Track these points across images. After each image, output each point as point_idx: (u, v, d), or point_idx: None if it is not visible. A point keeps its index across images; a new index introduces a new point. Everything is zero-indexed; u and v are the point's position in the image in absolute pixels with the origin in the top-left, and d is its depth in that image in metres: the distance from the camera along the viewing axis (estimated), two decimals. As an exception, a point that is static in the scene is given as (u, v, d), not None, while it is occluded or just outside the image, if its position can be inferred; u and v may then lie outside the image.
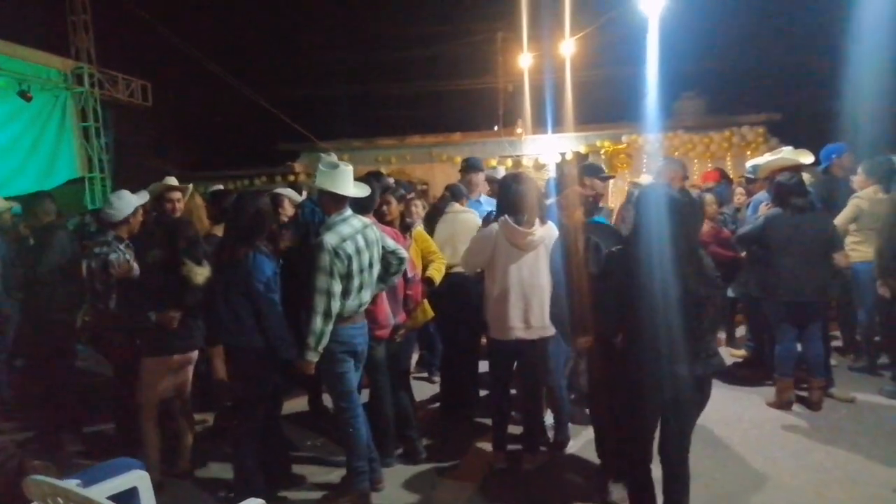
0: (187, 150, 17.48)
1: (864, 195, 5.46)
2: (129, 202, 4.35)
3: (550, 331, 3.83)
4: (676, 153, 13.42)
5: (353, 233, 3.51)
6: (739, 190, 6.99)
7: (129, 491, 2.61)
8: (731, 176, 8.93)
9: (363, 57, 19.05)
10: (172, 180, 4.93)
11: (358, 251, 3.51)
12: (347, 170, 3.59)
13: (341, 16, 18.72)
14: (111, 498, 2.27)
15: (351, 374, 3.63)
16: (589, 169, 4.35)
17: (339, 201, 3.58)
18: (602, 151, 14.16)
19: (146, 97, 13.20)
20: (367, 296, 3.63)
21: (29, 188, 9.80)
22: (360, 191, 3.71)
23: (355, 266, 3.48)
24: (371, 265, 3.62)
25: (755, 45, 15.58)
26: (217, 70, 13.08)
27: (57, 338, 4.61)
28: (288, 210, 5.10)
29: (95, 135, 11.82)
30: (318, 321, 3.38)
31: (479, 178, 5.80)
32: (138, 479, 2.65)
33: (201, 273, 3.87)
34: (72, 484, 2.29)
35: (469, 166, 5.80)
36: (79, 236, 5.94)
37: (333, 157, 3.63)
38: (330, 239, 3.42)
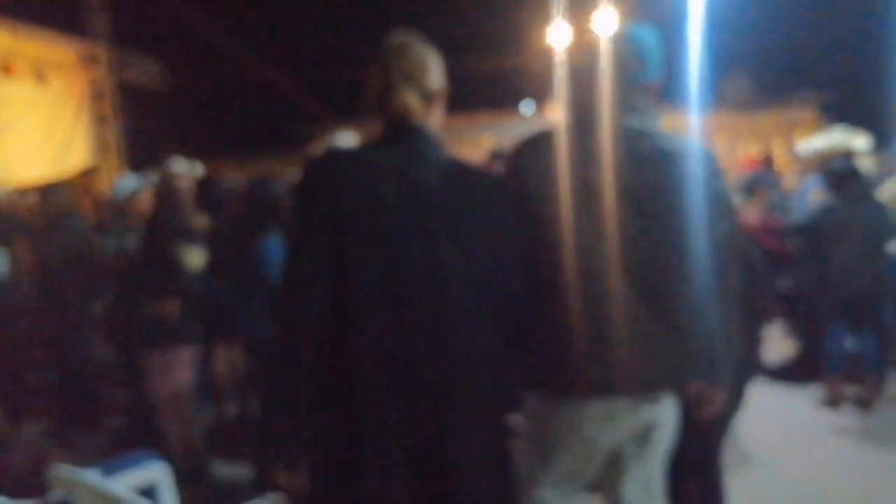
0: (203, 134, 17.70)
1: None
2: (124, 187, 4.38)
3: None
4: (721, 135, 13.24)
5: None
6: (790, 174, 6.88)
7: (150, 484, 2.70)
8: (781, 159, 8.79)
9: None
10: (180, 164, 4.88)
11: None
12: None
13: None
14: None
15: None
16: None
17: None
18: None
19: (162, 80, 13.39)
20: None
21: (44, 175, 10.06)
22: None
23: None
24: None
25: (808, 16, 15.20)
26: (233, 50, 13.21)
27: (71, 326, 4.75)
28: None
29: (110, 119, 12.04)
30: None
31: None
32: (159, 472, 2.74)
33: (194, 255, 3.87)
34: (92, 474, 2.38)
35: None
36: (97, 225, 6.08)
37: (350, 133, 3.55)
38: None
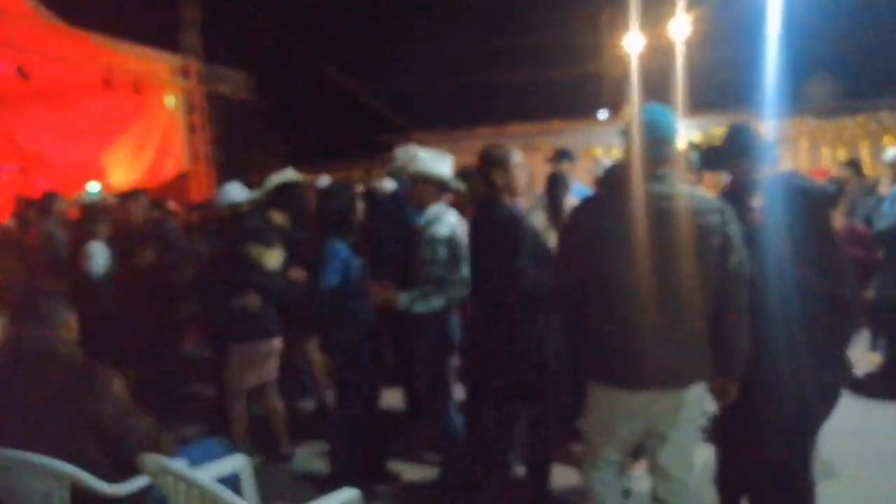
0: (288, 143, 18.23)
1: None
2: (228, 195, 4.53)
3: None
4: (803, 141, 12.66)
5: (455, 221, 3.57)
6: (885, 180, 6.50)
7: (232, 473, 2.78)
8: (867, 166, 8.32)
9: (461, 46, 19.19)
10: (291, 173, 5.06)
11: (462, 239, 3.58)
12: (449, 158, 3.67)
13: (438, 6, 18.90)
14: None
15: None
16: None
17: (442, 190, 3.64)
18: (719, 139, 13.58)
19: (250, 91, 13.85)
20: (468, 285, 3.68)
21: (141, 180, 10.58)
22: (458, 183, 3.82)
23: (463, 254, 3.54)
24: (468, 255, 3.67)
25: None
26: (318, 62, 13.55)
27: (161, 323, 4.97)
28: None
29: (201, 129, 12.54)
30: (432, 303, 3.46)
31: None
32: (240, 462, 2.82)
33: (272, 256, 4.03)
34: (180, 463, 2.46)
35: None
36: (185, 229, 6.35)
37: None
38: (442, 230, 3.49)
